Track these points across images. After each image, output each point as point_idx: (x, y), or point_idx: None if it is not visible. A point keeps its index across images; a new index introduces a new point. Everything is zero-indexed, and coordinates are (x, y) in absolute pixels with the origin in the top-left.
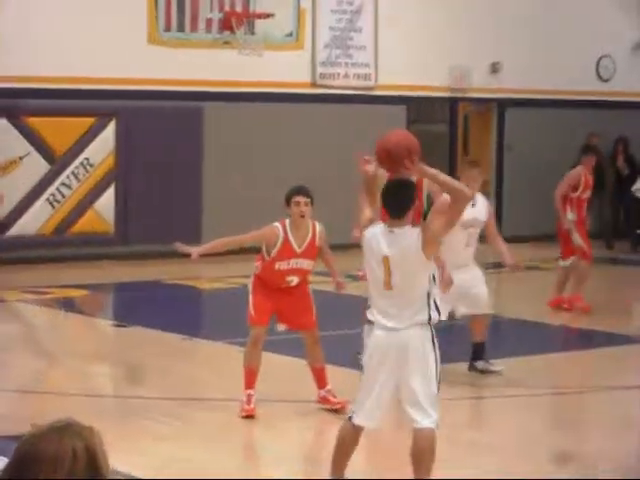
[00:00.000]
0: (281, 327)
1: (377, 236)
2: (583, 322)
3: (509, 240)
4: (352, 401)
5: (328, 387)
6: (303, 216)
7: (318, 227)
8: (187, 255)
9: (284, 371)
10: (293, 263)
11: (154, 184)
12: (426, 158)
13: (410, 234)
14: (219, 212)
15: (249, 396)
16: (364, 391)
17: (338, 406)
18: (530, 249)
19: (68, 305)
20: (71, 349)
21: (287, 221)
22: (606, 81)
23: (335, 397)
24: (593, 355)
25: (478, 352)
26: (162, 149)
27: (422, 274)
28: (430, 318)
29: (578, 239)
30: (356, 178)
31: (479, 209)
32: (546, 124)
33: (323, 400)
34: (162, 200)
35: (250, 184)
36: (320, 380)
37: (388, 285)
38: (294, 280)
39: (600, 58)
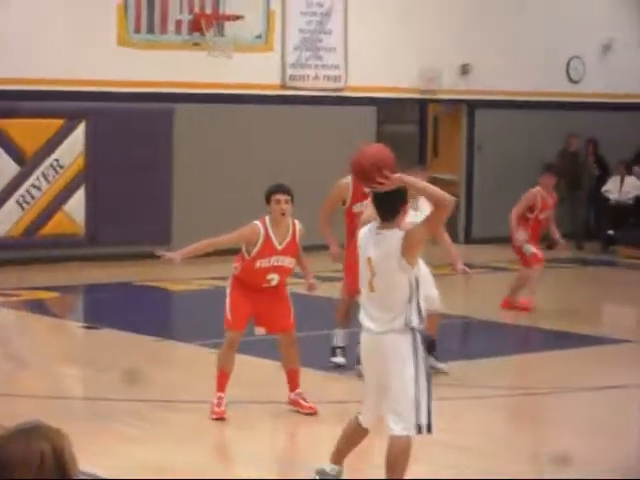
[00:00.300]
0: (260, 331)
1: (366, 237)
2: (552, 323)
3: (478, 241)
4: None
5: (299, 390)
6: (284, 214)
7: (298, 225)
8: (169, 260)
9: (256, 373)
10: (274, 260)
11: (124, 186)
12: (396, 159)
13: (394, 237)
14: (189, 214)
15: (220, 399)
16: (364, 392)
17: (309, 410)
18: (499, 250)
19: (38, 307)
20: (41, 351)
21: (267, 218)
22: (576, 82)
23: (306, 401)
24: (562, 356)
25: (429, 348)
26: (132, 151)
27: (402, 278)
28: (409, 323)
29: (530, 248)
30: (327, 179)
31: (423, 213)
32: (516, 125)
33: (294, 403)
34: (132, 202)
35: (220, 185)
36: (292, 382)
37: (371, 286)
38: (275, 279)
39: (570, 59)
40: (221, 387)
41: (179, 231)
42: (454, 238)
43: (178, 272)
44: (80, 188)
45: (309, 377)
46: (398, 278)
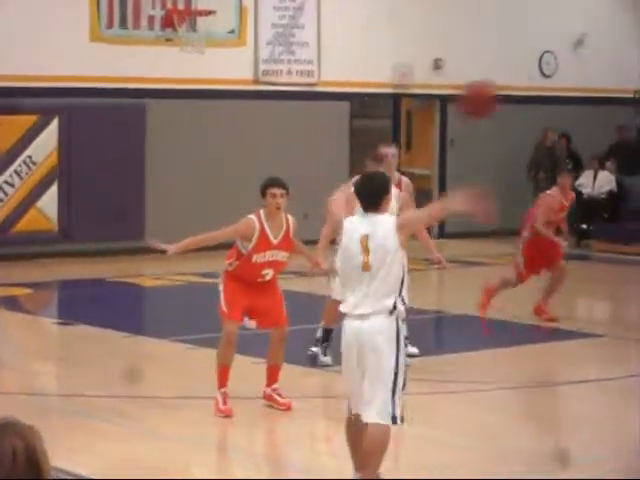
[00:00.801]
0: (251, 325)
1: (354, 222)
2: (524, 317)
3: (451, 236)
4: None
5: (275, 385)
6: (279, 208)
7: (291, 219)
8: (162, 251)
9: (236, 369)
10: (269, 255)
11: (97, 182)
12: (369, 153)
13: (385, 218)
14: (162, 209)
15: (224, 395)
16: (349, 382)
17: (284, 407)
18: (472, 244)
19: (12, 304)
20: (15, 348)
21: (262, 212)
22: (548, 77)
23: (282, 397)
24: (535, 350)
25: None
26: (105, 146)
27: (396, 256)
28: (395, 307)
29: (518, 259)
30: (300, 174)
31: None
32: (488, 120)
33: (269, 398)
34: (105, 198)
35: (193, 181)
36: (271, 377)
37: (367, 265)
38: (269, 273)
39: (542, 54)
40: (223, 382)
41: (152, 227)
42: (427, 232)
43: (151, 268)
44: (53, 184)
45: (287, 371)
46: (395, 256)
